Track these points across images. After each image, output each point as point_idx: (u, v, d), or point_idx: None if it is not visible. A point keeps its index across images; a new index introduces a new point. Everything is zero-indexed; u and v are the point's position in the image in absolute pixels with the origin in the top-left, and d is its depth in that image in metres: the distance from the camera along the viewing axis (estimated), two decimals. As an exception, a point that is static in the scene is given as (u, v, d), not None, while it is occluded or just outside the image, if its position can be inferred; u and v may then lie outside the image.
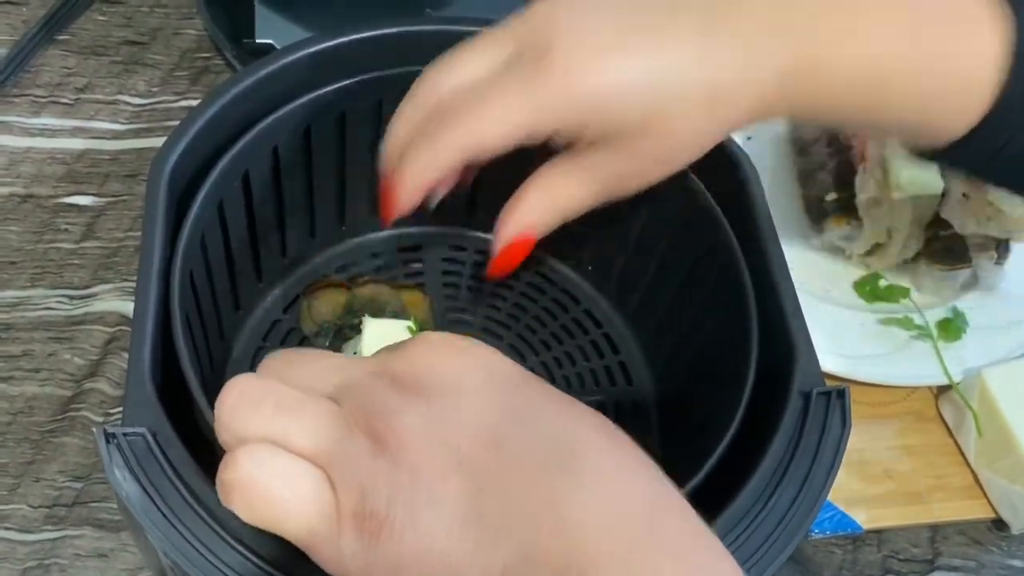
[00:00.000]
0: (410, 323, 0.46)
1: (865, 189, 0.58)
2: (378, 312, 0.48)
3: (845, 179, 0.59)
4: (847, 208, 0.59)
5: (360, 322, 0.48)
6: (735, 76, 0.34)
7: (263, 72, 0.44)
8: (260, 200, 0.47)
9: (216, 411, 0.28)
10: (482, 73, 0.34)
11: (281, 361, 0.30)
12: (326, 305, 0.50)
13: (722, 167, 0.46)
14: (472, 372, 0.28)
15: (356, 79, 0.46)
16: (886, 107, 0.37)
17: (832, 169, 0.61)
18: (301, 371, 0.29)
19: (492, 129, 0.34)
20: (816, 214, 0.61)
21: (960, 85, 0.36)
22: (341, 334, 0.48)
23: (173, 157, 0.41)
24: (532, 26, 0.34)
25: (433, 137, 0.35)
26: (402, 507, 0.25)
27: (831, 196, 0.60)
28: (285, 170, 0.47)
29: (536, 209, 0.37)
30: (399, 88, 0.47)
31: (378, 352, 0.30)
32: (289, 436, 0.27)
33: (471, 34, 0.40)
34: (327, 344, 0.49)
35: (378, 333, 0.44)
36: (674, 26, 0.34)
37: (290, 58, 0.45)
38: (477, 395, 0.27)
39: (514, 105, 0.33)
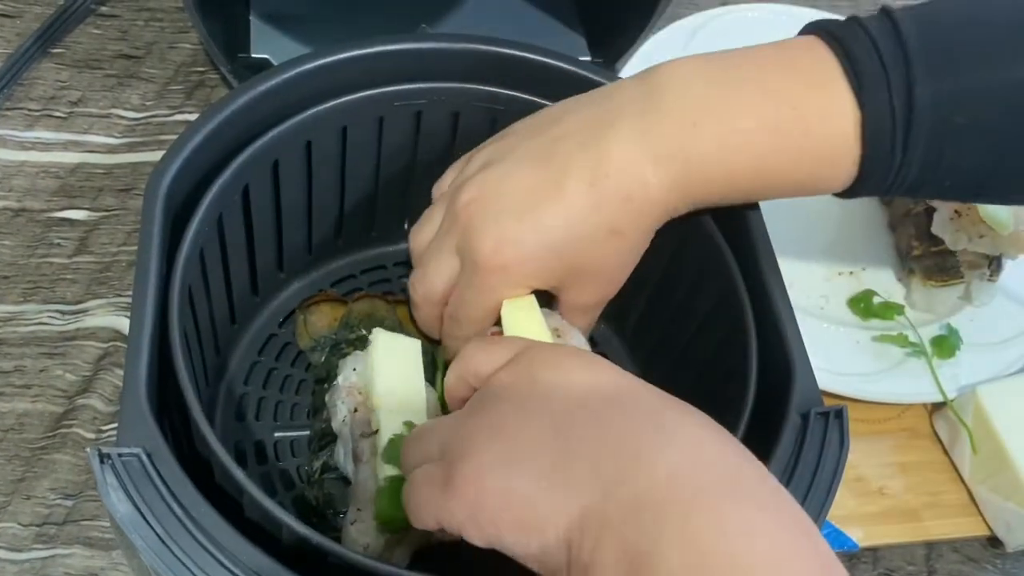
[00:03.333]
0: (420, 341, 0.46)
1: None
2: (375, 326, 0.48)
3: (927, 231, 0.58)
4: (933, 266, 0.59)
5: (356, 337, 0.47)
6: (623, 208, 0.41)
7: (261, 88, 0.44)
8: (259, 215, 0.47)
9: None
10: (451, 277, 0.44)
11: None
12: (322, 320, 0.50)
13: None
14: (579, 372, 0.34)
15: (356, 95, 0.46)
16: (766, 190, 0.42)
17: (914, 219, 0.60)
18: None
19: (484, 320, 0.44)
20: (907, 265, 0.61)
21: (828, 161, 0.41)
22: (338, 348, 0.48)
23: (170, 173, 0.40)
24: (460, 233, 0.43)
25: (452, 331, 0.46)
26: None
27: (915, 250, 0.59)
28: (285, 185, 0.47)
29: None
30: (398, 103, 0.47)
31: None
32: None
33: (467, 52, 0.46)
34: (322, 359, 0.48)
35: (389, 346, 0.44)
36: (566, 185, 0.41)
37: (289, 74, 0.45)
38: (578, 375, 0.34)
39: (484, 302, 0.43)
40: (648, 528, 0.28)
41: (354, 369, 0.44)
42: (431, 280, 0.44)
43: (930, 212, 0.59)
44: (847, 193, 0.42)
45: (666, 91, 0.41)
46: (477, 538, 0.32)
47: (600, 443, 0.31)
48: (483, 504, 0.31)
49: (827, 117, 0.39)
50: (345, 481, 0.43)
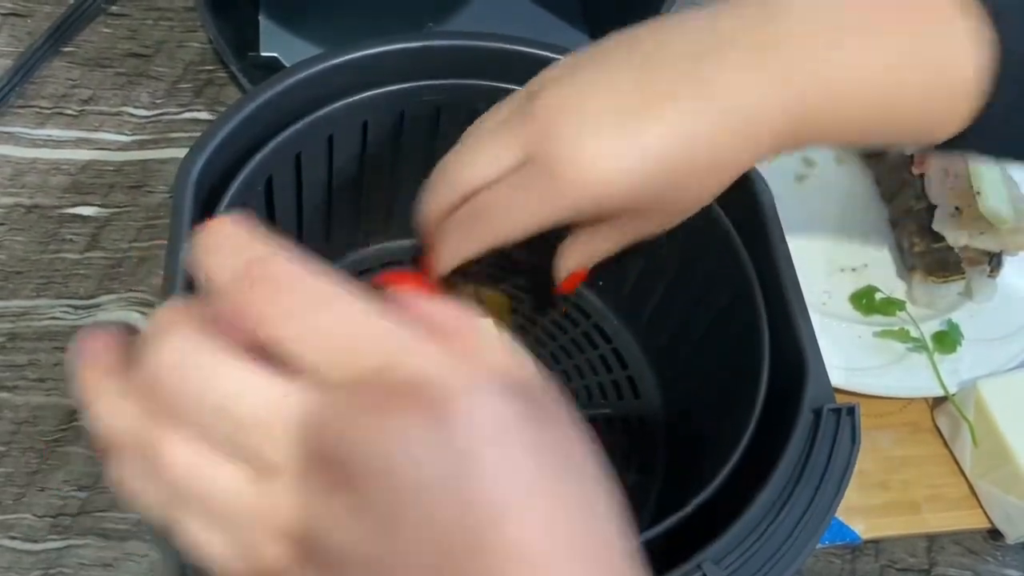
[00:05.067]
0: None
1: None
2: None
3: (928, 228, 0.59)
4: (934, 263, 0.59)
5: None
6: (734, 139, 0.36)
7: (288, 82, 0.45)
8: (281, 207, 0.48)
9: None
10: (500, 170, 0.37)
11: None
12: None
13: (736, 186, 0.46)
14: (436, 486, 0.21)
15: (378, 90, 0.47)
16: (878, 133, 0.39)
17: (915, 216, 0.61)
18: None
19: (517, 229, 0.37)
20: (908, 261, 0.62)
21: (948, 98, 0.37)
22: None
23: (200, 162, 0.41)
24: (536, 129, 0.36)
25: (467, 229, 0.38)
26: None
27: (917, 247, 0.60)
28: (306, 178, 0.48)
29: (579, 260, 0.42)
30: (418, 99, 0.48)
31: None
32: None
33: (486, 49, 0.47)
34: None
35: None
36: (673, 102, 0.36)
37: (313, 69, 0.45)
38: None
39: (535, 211, 0.37)
40: None
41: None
42: (475, 165, 0.37)
43: (931, 209, 0.59)
44: (950, 145, 0.38)
45: (786, 20, 0.36)
46: None
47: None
48: None
49: (956, 54, 0.36)
50: None
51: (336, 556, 0.22)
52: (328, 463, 0.22)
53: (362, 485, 0.21)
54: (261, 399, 0.22)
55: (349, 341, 0.22)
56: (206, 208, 0.41)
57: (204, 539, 0.23)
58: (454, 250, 0.39)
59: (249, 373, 0.22)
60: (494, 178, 0.37)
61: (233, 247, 0.23)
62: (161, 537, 0.32)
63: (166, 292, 0.38)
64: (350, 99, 0.46)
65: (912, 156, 0.62)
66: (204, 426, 0.22)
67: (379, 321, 0.23)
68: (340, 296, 0.23)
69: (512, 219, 0.37)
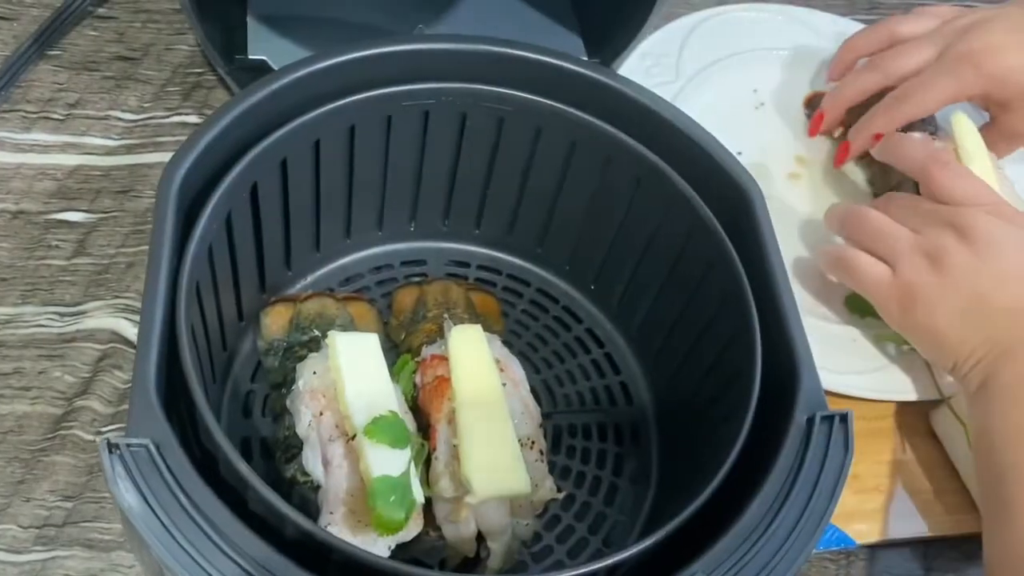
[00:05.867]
0: (377, 334, 0.45)
1: None
2: (326, 326, 0.47)
3: None
4: None
5: (309, 339, 0.47)
6: None
7: (274, 86, 0.44)
8: (267, 212, 0.47)
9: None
10: (920, 64, 0.59)
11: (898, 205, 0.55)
12: (275, 322, 0.49)
13: (728, 190, 0.46)
14: (1010, 242, 0.50)
15: (365, 94, 0.46)
16: None
17: None
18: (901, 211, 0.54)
19: (931, 104, 0.58)
20: None
21: None
22: (291, 352, 0.47)
23: (183, 167, 0.41)
24: (955, 32, 0.58)
25: (890, 112, 0.59)
26: (927, 292, 0.51)
27: None
28: (293, 183, 0.48)
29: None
30: (407, 103, 0.48)
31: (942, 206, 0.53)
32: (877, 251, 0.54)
33: (475, 52, 0.46)
34: (276, 364, 0.48)
35: (349, 347, 0.43)
36: None
37: (300, 73, 0.45)
38: (1004, 260, 0.50)
39: (948, 87, 0.58)
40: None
41: (314, 372, 0.43)
42: (906, 58, 0.59)
43: None
44: None
45: None
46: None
47: (998, 307, 0.49)
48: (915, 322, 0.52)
49: None
50: (315, 488, 0.43)
51: (943, 257, 0.51)
52: (952, 227, 0.51)
53: (970, 236, 0.50)
54: (930, 207, 0.54)
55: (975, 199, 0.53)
56: (189, 214, 0.41)
57: (870, 262, 0.54)
58: (876, 127, 0.60)
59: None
60: (916, 70, 0.58)
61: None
62: (140, 548, 0.32)
63: (148, 299, 0.38)
64: (337, 103, 0.46)
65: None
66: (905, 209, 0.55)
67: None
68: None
69: (929, 96, 0.57)
